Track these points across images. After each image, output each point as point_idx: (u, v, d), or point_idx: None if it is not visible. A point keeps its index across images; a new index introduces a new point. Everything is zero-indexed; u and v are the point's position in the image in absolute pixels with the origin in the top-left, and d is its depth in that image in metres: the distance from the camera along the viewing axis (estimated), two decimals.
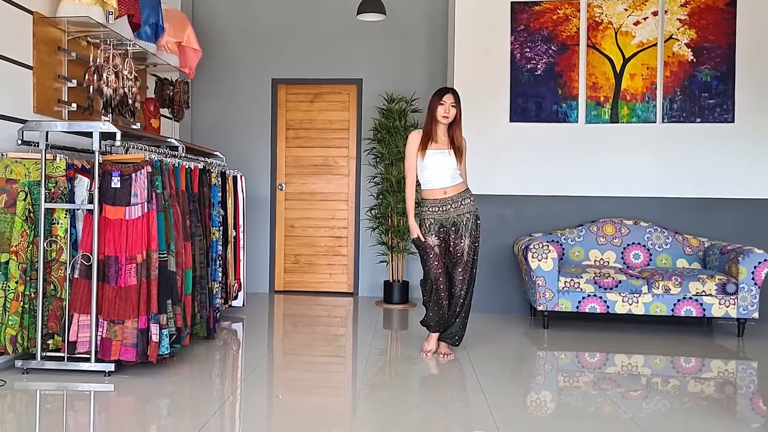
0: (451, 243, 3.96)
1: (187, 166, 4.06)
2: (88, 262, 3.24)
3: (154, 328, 3.25)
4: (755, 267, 4.61)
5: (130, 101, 3.92)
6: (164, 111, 5.30)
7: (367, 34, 6.30)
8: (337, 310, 6.23)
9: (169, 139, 4.32)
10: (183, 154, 4.47)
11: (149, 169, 3.37)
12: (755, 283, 4.62)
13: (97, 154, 3.30)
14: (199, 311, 4.08)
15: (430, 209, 3.98)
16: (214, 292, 4.66)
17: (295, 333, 5.22)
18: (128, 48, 4.13)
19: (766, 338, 4.75)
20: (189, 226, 3.95)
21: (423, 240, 3.98)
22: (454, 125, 3.96)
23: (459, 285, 3.99)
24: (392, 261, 6.06)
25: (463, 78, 5.58)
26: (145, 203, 3.33)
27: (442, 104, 3.90)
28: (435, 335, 4.16)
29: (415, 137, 3.98)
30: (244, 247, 5.38)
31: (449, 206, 3.96)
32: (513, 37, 5.51)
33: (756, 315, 4.65)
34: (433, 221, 3.97)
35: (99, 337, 3.24)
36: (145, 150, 3.63)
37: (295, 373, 4.11)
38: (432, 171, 3.95)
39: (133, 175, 3.33)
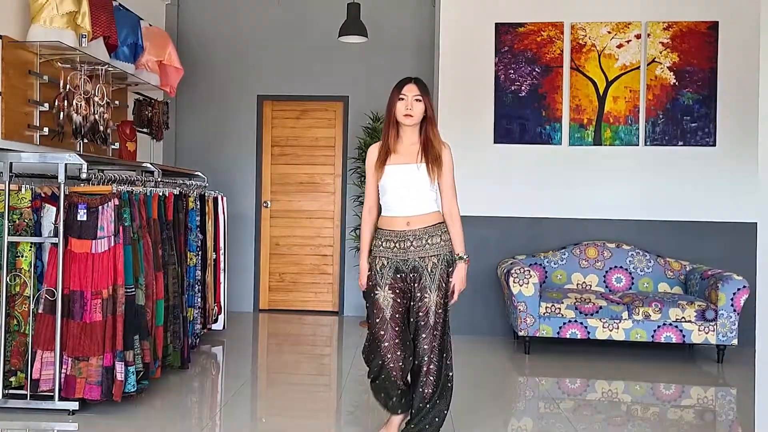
0: (413, 297, 2.83)
1: (160, 194, 4.03)
2: (52, 297, 3.21)
3: (119, 366, 3.22)
4: (734, 294, 4.59)
5: (101, 128, 3.89)
6: (143, 132, 5.27)
7: (353, 52, 6.28)
8: (322, 330, 6.21)
9: (144, 164, 4.29)
10: (159, 179, 4.44)
11: (116, 201, 3.34)
12: (734, 310, 4.59)
13: (62, 186, 3.28)
14: (172, 341, 4.04)
15: (384, 244, 2.85)
16: (192, 318, 4.63)
17: (279, 353, 5.20)
18: (102, 71, 4.09)
19: (745, 364, 4.72)
20: (161, 256, 3.92)
21: (370, 283, 2.89)
22: (426, 125, 2.84)
23: (426, 357, 2.83)
24: None
25: (448, 98, 5.56)
26: (112, 237, 3.30)
27: (402, 98, 2.81)
28: (397, 419, 2.97)
29: (373, 151, 2.93)
30: (224, 270, 5.35)
31: (410, 243, 2.80)
32: (497, 59, 5.49)
33: (735, 342, 4.62)
34: (386, 263, 2.83)
35: (63, 375, 3.21)
36: (113, 181, 3.59)
37: (278, 395, 4.10)
38: (392, 193, 2.84)
39: (100, 207, 3.30)
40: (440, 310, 2.83)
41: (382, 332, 2.83)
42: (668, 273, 5.16)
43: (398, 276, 2.85)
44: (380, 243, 2.89)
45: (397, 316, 2.85)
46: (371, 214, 2.97)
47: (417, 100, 2.82)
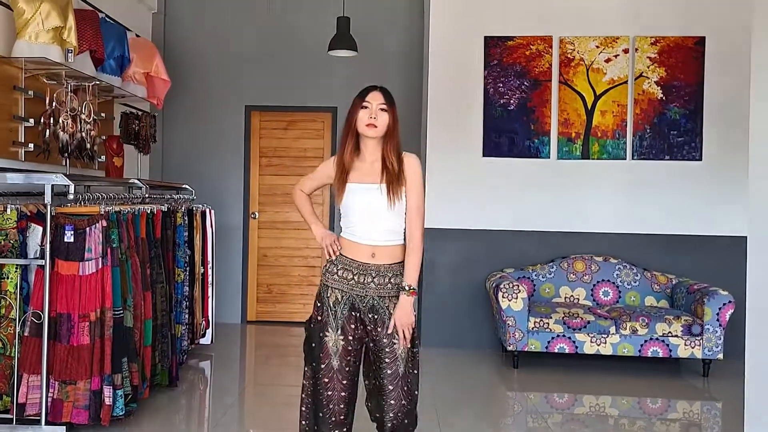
0: (376, 342, 2.43)
1: (148, 212, 3.99)
2: (38, 320, 3.17)
3: (107, 390, 3.19)
4: (720, 308, 4.63)
5: (88, 145, 3.85)
6: (130, 145, 5.23)
7: (342, 63, 6.26)
8: None
9: (131, 181, 4.25)
10: (146, 195, 4.40)
11: (104, 223, 3.31)
12: (720, 325, 4.64)
13: (49, 207, 3.24)
14: (160, 361, 4.01)
15: (341, 274, 2.43)
16: (180, 335, 4.60)
17: (267, 366, 5.17)
18: (88, 87, 4.05)
19: (730, 378, 4.77)
20: (149, 275, 3.88)
21: (319, 319, 2.45)
22: (386, 141, 2.44)
23: (392, 413, 2.41)
24: None
25: (437, 111, 5.57)
26: (100, 258, 3.27)
27: (365, 107, 2.43)
28: None
29: (328, 164, 2.57)
30: (212, 284, 5.32)
31: (371, 279, 2.41)
32: (486, 72, 5.50)
33: (720, 356, 4.67)
34: (340, 297, 2.42)
35: (50, 399, 3.17)
36: (101, 201, 3.56)
37: (267, 409, 4.08)
38: (356, 215, 2.44)
39: (87, 229, 3.26)
40: (410, 359, 2.41)
41: (326, 381, 2.40)
42: (655, 286, 5.20)
43: (353, 315, 2.42)
44: (335, 271, 2.44)
45: (347, 369, 2.41)
46: (303, 195, 2.68)
47: (382, 109, 2.42)
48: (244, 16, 6.48)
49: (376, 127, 2.41)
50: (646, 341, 4.69)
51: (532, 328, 4.78)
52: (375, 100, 2.44)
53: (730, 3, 5.34)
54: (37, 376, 3.18)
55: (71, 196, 3.25)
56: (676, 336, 4.67)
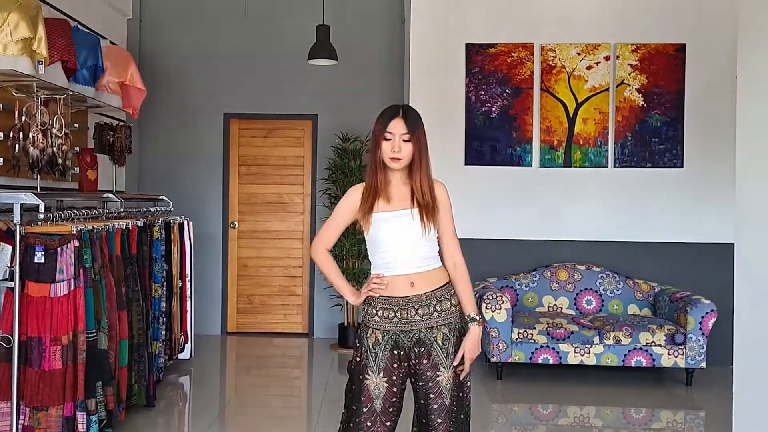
0: (419, 376, 2.31)
1: (123, 228, 3.89)
2: (8, 344, 3.06)
3: (81, 417, 3.09)
4: (702, 317, 4.63)
5: (59, 160, 3.73)
6: (106, 156, 5.10)
7: (322, 70, 6.18)
8: (292, 353, 6.12)
9: (105, 195, 4.15)
10: (121, 210, 4.29)
11: (76, 242, 3.20)
12: (702, 333, 4.64)
13: (18, 227, 3.13)
14: (137, 381, 3.91)
15: (381, 314, 2.31)
16: (157, 352, 4.50)
17: (248, 378, 5.09)
18: (59, 99, 3.93)
19: (713, 387, 4.79)
20: (125, 294, 3.78)
21: (358, 360, 2.33)
22: (414, 169, 2.30)
23: None
24: (347, 304, 5.95)
25: None
26: (72, 280, 3.16)
27: (388, 138, 2.29)
28: None
29: (354, 195, 2.39)
30: (191, 297, 5.22)
31: (414, 312, 2.29)
32: (468, 79, 5.46)
33: (703, 365, 4.68)
34: (381, 338, 2.30)
35: (20, 426, 3.06)
36: (74, 219, 3.45)
37: (248, 424, 3.99)
38: (389, 246, 2.32)
39: (59, 249, 3.16)
40: (458, 391, 2.30)
41: (369, 424, 2.28)
42: (637, 295, 5.19)
43: (396, 354, 2.28)
44: (375, 312, 2.31)
45: (391, 410, 2.29)
46: (328, 255, 2.44)
47: (405, 140, 2.27)
48: (222, 22, 6.38)
49: (399, 159, 2.28)
50: (629, 351, 4.68)
51: (516, 339, 4.74)
52: (397, 129, 2.28)
53: (710, 10, 5.35)
54: (7, 402, 3.07)
55: (42, 215, 3.14)
56: (660, 345, 4.66)
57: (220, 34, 6.37)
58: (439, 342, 2.27)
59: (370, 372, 2.28)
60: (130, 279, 3.90)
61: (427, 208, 2.29)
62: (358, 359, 2.32)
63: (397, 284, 2.29)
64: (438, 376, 2.27)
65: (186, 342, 5.14)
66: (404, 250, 2.29)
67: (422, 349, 2.27)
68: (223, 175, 6.41)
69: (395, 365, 2.28)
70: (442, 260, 2.35)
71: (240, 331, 6.44)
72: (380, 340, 2.28)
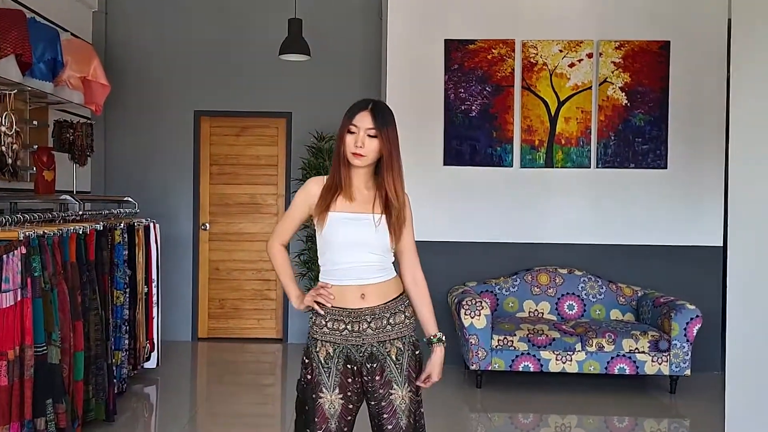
0: (371, 394, 2.11)
1: (79, 232, 3.65)
2: None
3: None
4: (687, 323, 4.50)
5: (9, 160, 3.49)
6: (66, 155, 4.85)
7: (296, 66, 5.96)
8: (266, 359, 5.93)
9: (62, 197, 3.90)
10: (79, 212, 4.05)
11: (23, 249, 2.96)
12: (687, 340, 4.51)
13: None
14: (95, 395, 3.68)
15: (331, 325, 2.10)
16: (119, 362, 4.27)
17: (220, 386, 4.89)
18: (9, 96, 3.68)
19: (697, 394, 4.67)
20: (81, 303, 3.55)
21: (309, 378, 2.12)
22: (384, 169, 2.10)
23: None
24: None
25: (397, 118, 5.28)
26: (19, 290, 2.93)
27: (352, 132, 2.08)
28: None
29: (313, 187, 2.17)
30: (157, 303, 4.99)
31: (366, 325, 2.09)
32: (447, 77, 5.28)
33: (688, 372, 4.55)
34: (332, 351, 2.10)
35: None
36: (23, 223, 3.21)
37: None
38: (341, 252, 2.11)
39: (4, 257, 2.92)
40: (413, 409, 2.12)
41: None
42: (620, 299, 5.06)
43: (349, 368, 2.09)
44: (324, 323, 2.10)
45: (345, 429, 2.11)
46: (282, 252, 2.25)
47: (371, 135, 2.06)
48: (192, 16, 6.14)
49: (362, 156, 2.06)
50: (612, 358, 4.54)
51: (496, 347, 4.58)
52: (363, 123, 2.07)
53: (694, 7, 5.23)
54: None
55: None
56: (643, 352, 4.52)
57: (190, 28, 6.12)
58: (393, 357, 2.09)
59: (324, 389, 2.08)
60: (87, 286, 3.67)
61: (398, 214, 2.10)
62: (309, 376, 2.11)
63: (347, 295, 2.09)
64: (391, 394, 2.08)
65: (152, 350, 4.91)
66: (359, 259, 2.09)
67: (375, 365, 2.08)
68: (194, 175, 6.18)
69: (349, 380, 2.09)
70: (397, 271, 2.17)
71: (211, 336, 6.23)
72: (332, 354, 2.09)
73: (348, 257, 2.09)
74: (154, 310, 4.93)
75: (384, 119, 2.09)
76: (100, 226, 3.97)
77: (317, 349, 2.11)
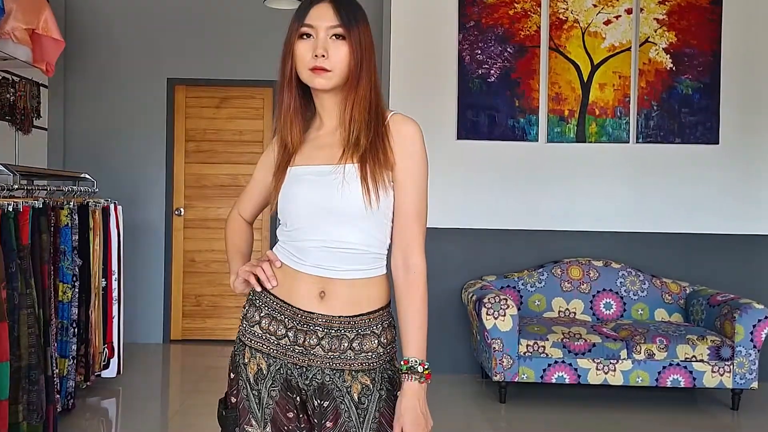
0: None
1: (7, 209, 2.87)
2: None
3: None
4: (754, 326, 3.77)
5: None
6: (5, 123, 4.06)
7: (284, 27, 5.18)
8: None
9: None
10: (15, 186, 3.26)
11: None
12: (754, 346, 3.78)
13: None
14: (27, 416, 2.91)
15: (265, 325, 1.42)
16: (66, 373, 3.50)
17: (194, 397, 4.13)
18: None
19: (766, 410, 3.94)
20: (7, 299, 2.78)
21: (234, 402, 1.44)
22: (349, 90, 1.39)
23: None
24: None
25: (402, 84, 4.62)
26: None
27: (306, 35, 1.38)
28: None
29: (269, 154, 1.54)
30: (118, 299, 4.22)
31: (317, 339, 1.39)
32: (461, 36, 4.55)
33: (755, 385, 3.81)
34: (265, 367, 1.41)
35: None
36: None
37: None
38: (298, 222, 1.41)
39: None
40: None
41: None
42: (666, 297, 4.33)
43: (290, 398, 1.40)
44: (256, 318, 1.43)
45: None
46: (238, 222, 1.63)
47: (337, 36, 1.36)
48: None
49: (327, 71, 1.35)
50: (664, 368, 3.80)
51: (524, 353, 3.83)
52: (322, 21, 1.36)
53: None
54: None
55: None
56: (702, 361, 3.79)
57: None
58: (354, 397, 1.37)
59: (252, 420, 1.41)
60: (17, 278, 2.90)
61: (372, 157, 1.36)
62: (233, 399, 1.44)
63: (299, 287, 1.39)
64: None
65: (111, 356, 4.14)
66: (321, 235, 1.37)
67: (326, 404, 1.38)
68: (167, 152, 5.44)
69: (290, 415, 1.39)
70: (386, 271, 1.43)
71: (186, 338, 5.52)
72: (265, 372, 1.40)
73: (307, 232, 1.39)
74: (114, 307, 4.16)
75: (352, 13, 1.38)
76: (38, 204, 3.20)
77: (245, 359, 1.43)
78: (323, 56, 1.34)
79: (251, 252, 1.63)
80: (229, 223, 1.64)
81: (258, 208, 1.61)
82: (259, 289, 1.43)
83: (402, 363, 1.37)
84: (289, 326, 1.39)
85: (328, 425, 1.37)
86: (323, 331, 1.37)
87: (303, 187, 1.39)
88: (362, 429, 1.36)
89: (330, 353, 1.37)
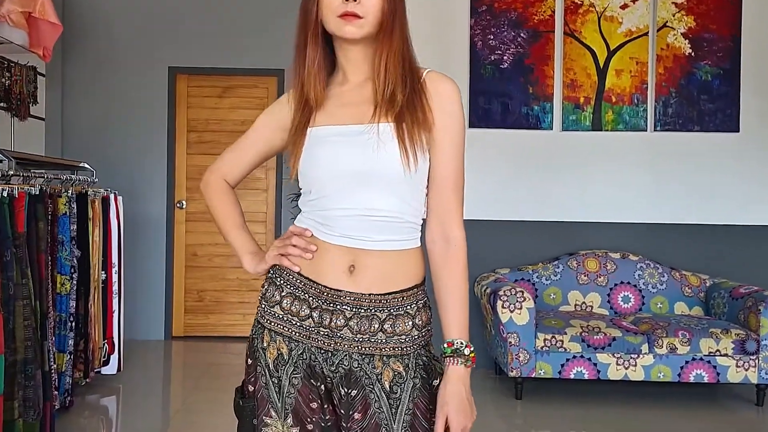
0: (344, 425, 1.24)
1: (2, 195, 2.72)
2: None
3: None
4: None
5: None
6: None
7: (290, 14, 5.05)
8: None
9: None
10: (11, 172, 3.11)
11: None
12: None
13: None
14: (23, 413, 2.77)
15: (287, 305, 1.27)
16: (64, 368, 3.36)
17: (196, 394, 3.99)
18: None
19: None
20: (1, 289, 2.63)
21: (251, 390, 1.29)
22: (383, 41, 1.24)
23: None
24: None
25: None
26: None
27: None
28: None
29: (276, 109, 1.39)
30: (119, 293, 4.08)
31: (343, 320, 1.24)
32: (473, 20, 4.41)
33: None
34: (287, 353, 1.26)
35: None
36: None
37: None
38: (323, 190, 1.25)
39: None
40: None
41: None
42: (686, 290, 4.19)
43: (313, 387, 1.25)
44: (276, 298, 1.29)
45: None
46: (223, 187, 1.43)
47: None
48: None
49: (359, 17, 1.20)
50: (687, 362, 3.66)
51: (542, 348, 3.69)
52: None
53: None
54: None
55: None
56: (726, 355, 3.65)
57: None
58: (385, 386, 1.22)
59: (272, 411, 1.26)
60: (12, 267, 2.76)
61: (411, 115, 1.22)
62: (251, 387, 1.29)
63: (325, 261, 1.25)
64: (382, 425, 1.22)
65: (111, 352, 4.00)
66: (353, 203, 1.23)
67: (355, 392, 1.22)
68: (168, 143, 5.31)
69: (313, 405, 1.25)
70: (422, 237, 1.29)
71: (188, 335, 5.39)
72: (286, 357, 1.25)
73: (335, 199, 1.24)
74: (114, 301, 4.03)
75: None
76: (35, 190, 3.05)
77: (263, 344, 1.28)
78: (354, 0, 1.19)
79: (245, 221, 1.44)
80: (213, 193, 1.43)
81: (248, 173, 1.45)
82: (297, 269, 1.27)
83: (445, 345, 1.25)
84: (314, 306, 1.25)
85: (356, 417, 1.22)
86: (351, 310, 1.23)
87: (329, 149, 1.24)
88: (394, 421, 1.22)
89: (359, 336, 1.23)
